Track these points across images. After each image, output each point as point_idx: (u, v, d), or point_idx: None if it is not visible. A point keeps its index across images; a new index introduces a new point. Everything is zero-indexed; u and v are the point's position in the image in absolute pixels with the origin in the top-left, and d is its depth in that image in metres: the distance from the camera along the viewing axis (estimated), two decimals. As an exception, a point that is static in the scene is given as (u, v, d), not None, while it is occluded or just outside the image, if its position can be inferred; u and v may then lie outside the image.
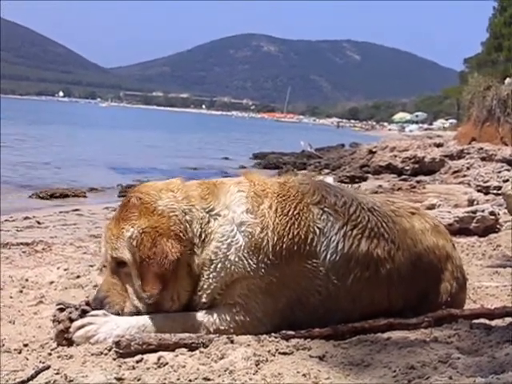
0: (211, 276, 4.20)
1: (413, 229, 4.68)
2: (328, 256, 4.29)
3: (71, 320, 4.18)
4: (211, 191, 4.37)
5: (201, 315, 4.20)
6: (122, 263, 4.22)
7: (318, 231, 4.31)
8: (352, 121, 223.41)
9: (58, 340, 4.17)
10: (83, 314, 4.21)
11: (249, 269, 4.17)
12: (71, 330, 4.14)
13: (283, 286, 4.23)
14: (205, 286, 4.22)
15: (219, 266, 4.19)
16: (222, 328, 4.16)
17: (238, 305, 4.19)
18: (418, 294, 4.60)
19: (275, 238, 4.21)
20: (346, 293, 4.34)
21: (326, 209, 4.39)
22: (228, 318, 4.18)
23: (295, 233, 4.25)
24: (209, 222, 4.26)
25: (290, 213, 4.29)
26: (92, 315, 4.19)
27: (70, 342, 4.12)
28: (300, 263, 4.25)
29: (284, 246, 4.21)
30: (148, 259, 4.07)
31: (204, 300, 4.23)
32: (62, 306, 4.28)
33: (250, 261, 4.17)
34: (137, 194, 4.30)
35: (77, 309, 4.24)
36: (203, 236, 4.23)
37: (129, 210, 4.24)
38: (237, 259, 4.18)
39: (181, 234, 4.16)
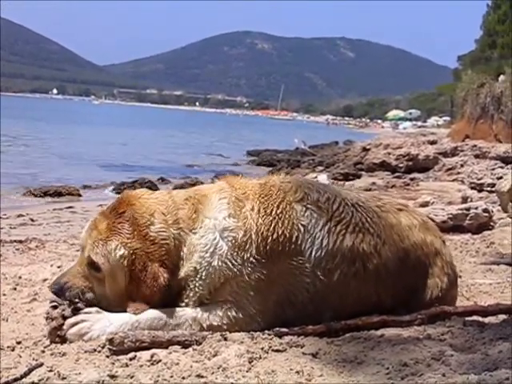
0: (197, 285, 4.23)
1: (399, 225, 4.68)
2: (313, 253, 4.30)
3: (64, 317, 4.18)
4: (196, 209, 4.36)
5: (194, 311, 4.20)
6: (96, 268, 4.24)
7: (302, 228, 4.32)
8: (346, 118, 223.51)
9: (51, 337, 4.17)
10: (76, 311, 4.21)
11: (235, 269, 4.18)
12: (65, 327, 4.14)
13: (272, 283, 4.23)
14: (191, 295, 4.25)
15: (204, 273, 4.21)
16: (215, 324, 4.17)
17: (228, 302, 4.20)
18: (407, 290, 4.60)
19: (259, 240, 4.22)
20: (334, 289, 4.34)
21: (308, 205, 4.39)
22: (220, 314, 4.19)
23: (279, 232, 4.26)
24: (192, 239, 4.28)
25: (273, 212, 4.30)
26: (85, 312, 4.20)
27: (63, 340, 4.12)
28: (286, 261, 4.26)
29: (269, 246, 4.22)
30: (138, 280, 4.14)
31: (192, 305, 4.26)
32: (55, 303, 4.28)
33: (234, 262, 4.18)
34: (132, 210, 4.29)
35: (70, 306, 4.24)
36: (188, 254, 4.26)
37: (122, 223, 4.25)
38: (221, 264, 4.19)
39: (169, 263, 4.20)
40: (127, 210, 4.29)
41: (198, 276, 4.21)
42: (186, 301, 4.25)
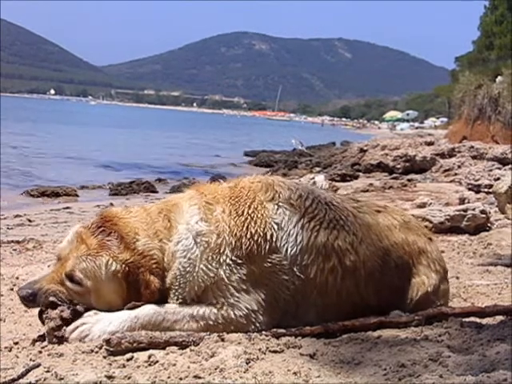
0: (178, 293, 4.25)
1: (377, 225, 4.67)
2: (289, 250, 4.30)
3: (62, 318, 4.17)
4: (169, 218, 4.38)
5: (191, 308, 4.20)
6: (78, 282, 4.23)
7: (275, 226, 4.31)
8: (343, 119, 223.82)
9: (49, 337, 4.16)
10: (75, 314, 4.21)
11: (211, 274, 4.18)
12: (66, 334, 4.13)
13: (256, 282, 4.22)
14: (175, 299, 4.26)
15: (182, 280, 4.22)
16: (211, 322, 4.17)
17: (218, 303, 4.20)
18: (392, 290, 4.59)
19: (233, 241, 4.22)
20: (312, 285, 4.34)
21: (280, 203, 4.39)
22: (215, 312, 4.18)
23: (253, 231, 4.25)
24: (170, 246, 4.30)
25: (245, 212, 4.30)
26: (84, 316, 4.20)
27: (61, 340, 4.12)
28: (264, 260, 4.25)
29: (244, 246, 4.22)
30: (132, 291, 4.19)
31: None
32: (54, 299, 4.27)
33: (210, 266, 4.18)
34: (118, 230, 4.29)
35: (69, 307, 4.23)
36: (169, 262, 4.28)
37: (111, 240, 4.26)
38: (197, 270, 4.20)
39: (159, 270, 4.23)
40: (114, 229, 4.30)
41: (178, 283, 4.23)
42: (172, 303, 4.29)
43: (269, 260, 4.26)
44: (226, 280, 4.17)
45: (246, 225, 4.26)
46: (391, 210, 5.00)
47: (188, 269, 4.20)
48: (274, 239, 4.29)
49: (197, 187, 4.60)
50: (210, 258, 4.19)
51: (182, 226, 4.30)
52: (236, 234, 4.23)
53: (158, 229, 4.34)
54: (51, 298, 4.25)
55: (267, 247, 4.26)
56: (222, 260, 4.18)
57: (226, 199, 4.38)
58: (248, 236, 4.23)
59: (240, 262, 4.20)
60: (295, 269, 4.30)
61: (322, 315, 4.31)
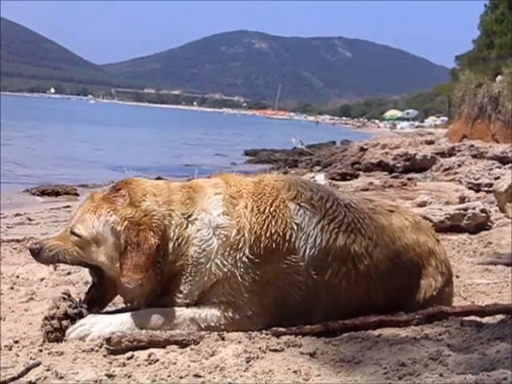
0: (188, 280, 4.24)
1: (391, 226, 4.67)
2: (307, 251, 4.29)
3: (66, 313, 4.20)
4: (190, 196, 4.37)
5: (192, 311, 4.20)
6: (78, 235, 4.28)
7: (295, 227, 4.31)
8: (343, 118, 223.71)
9: (48, 337, 4.17)
10: (79, 314, 4.24)
11: (225, 269, 4.17)
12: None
13: (266, 283, 4.22)
14: (184, 291, 4.25)
15: (194, 270, 4.22)
16: (213, 324, 4.17)
17: (224, 303, 4.19)
18: (400, 291, 4.60)
19: (252, 238, 4.21)
20: (325, 288, 4.34)
21: (302, 203, 4.38)
22: (218, 314, 4.18)
23: (273, 230, 4.25)
24: (187, 227, 4.28)
25: (267, 210, 4.29)
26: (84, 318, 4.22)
27: (60, 338, 4.14)
28: (280, 260, 4.25)
29: (262, 244, 4.21)
30: (130, 245, 4.13)
31: (185, 302, 4.26)
32: (65, 296, 4.31)
33: (226, 262, 4.18)
34: (128, 188, 4.32)
35: (75, 307, 4.25)
36: (180, 240, 4.26)
37: (117, 196, 4.28)
38: (211, 263, 4.20)
39: (159, 231, 4.20)
40: (124, 187, 4.33)
41: (189, 271, 4.22)
42: (180, 296, 4.25)
43: (286, 261, 4.26)
44: (238, 278, 4.17)
45: (266, 223, 4.25)
46: (402, 210, 5.02)
47: (202, 260, 4.20)
48: (293, 240, 4.28)
49: (222, 176, 4.60)
50: (226, 252, 4.19)
51: (205, 215, 4.29)
52: (256, 232, 4.22)
53: (173, 199, 4.33)
54: (62, 293, 4.35)
55: (285, 248, 4.26)
56: (238, 257, 4.18)
57: (249, 195, 4.36)
58: (267, 235, 4.23)
59: (256, 261, 4.19)
60: (311, 270, 4.30)
61: (329, 315, 4.31)
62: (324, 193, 4.53)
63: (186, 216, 4.29)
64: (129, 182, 4.40)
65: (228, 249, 4.19)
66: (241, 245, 4.20)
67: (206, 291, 4.22)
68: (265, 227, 4.24)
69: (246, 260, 4.19)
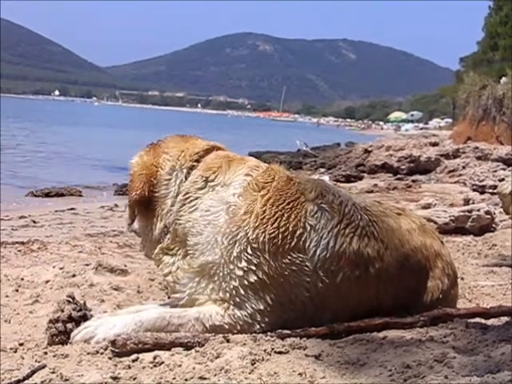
0: (189, 246, 4.33)
1: (400, 229, 4.68)
2: (317, 252, 4.27)
3: (70, 316, 4.20)
4: (222, 165, 4.51)
5: (197, 311, 4.20)
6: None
7: (308, 227, 4.29)
8: (348, 120, 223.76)
9: (53, 340, 4.18)
10: (84, 317, 4.25)
11: (226, 256, 4.20)
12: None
13: (268, 278, 4.20)
14: (179, 257, 4.41)
15: (194, 240, 4.31)
16: (217, 323, 4.16)
17: (226, 301, 4.19)
18: (409, 294, 4.60)
19: (257, 223, 4.20)
20: (335, 291, 4.32)
21: (322, 205, 4.38)
22: (222, 313, 4.18)
23: (281, 224, 4.23)
24: (202, 188, 4.43)
25: (281, 206, 4.28)
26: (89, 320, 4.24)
27: (65, 341, 4.15)
28: (284, 256, 4.22)
29: (267, 232, 4.19)
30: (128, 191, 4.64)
31: (183, 269, 4.36)
32: (69, 299, 4.32)
33: (225, 240, 4.22)
34: (163, 141, 4.89)
35: (80, 310, 4.26)
36: (187, 196, 4.43)
37: (152, 145, 4.85)
38: (214, 240, 4.25)
39: (154, 181, 4.55)
40: (162, 140, 4.91)
41: (190, 237, 4.34)
42: (172, 266, 4.43)
43: (290, 257, 4.23)
44: (241, 271, 4.18)
45: (276, 216, 4.24)
46: (409, 213, 5.05)
47: (206, 232, 4.29)
48: (303, 239, 4.26)
49: (272, 166, 4.63)
50: (228, 229, 4.22)
51: (222, 189, 4.40)
52: (262, 219, 4.21)
53: (198, 158, 4.60)
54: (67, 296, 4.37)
55: (292, 244, 4.24)
56: (240, 235, 4.20)
57: (274, 188, 4.37)
58: (275, 225, 4.21)
59: (259, 247, 4.19)
60: (320, 272, 4.27)
61: (337, 317, 4.30)
62: (344, 198, 4.54)
63: (204, 178, 4.46)
64: (168, 140, 4.93)
65: (231, 225, 4.21)
66: (244, 224, 4.20)
67: (203, 268, 4.26)
68: (273, 218, 4.23)
69: (247, 244, 4.18)
